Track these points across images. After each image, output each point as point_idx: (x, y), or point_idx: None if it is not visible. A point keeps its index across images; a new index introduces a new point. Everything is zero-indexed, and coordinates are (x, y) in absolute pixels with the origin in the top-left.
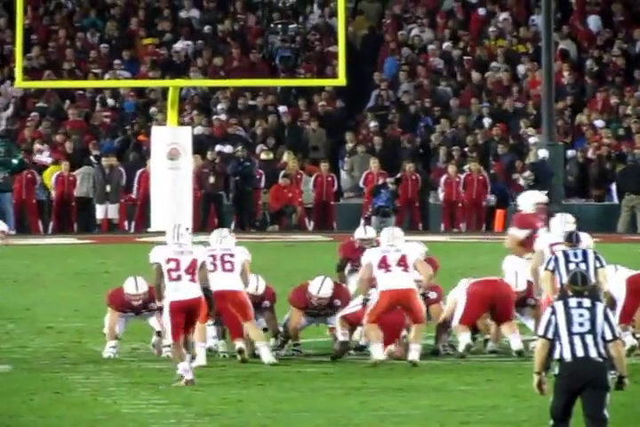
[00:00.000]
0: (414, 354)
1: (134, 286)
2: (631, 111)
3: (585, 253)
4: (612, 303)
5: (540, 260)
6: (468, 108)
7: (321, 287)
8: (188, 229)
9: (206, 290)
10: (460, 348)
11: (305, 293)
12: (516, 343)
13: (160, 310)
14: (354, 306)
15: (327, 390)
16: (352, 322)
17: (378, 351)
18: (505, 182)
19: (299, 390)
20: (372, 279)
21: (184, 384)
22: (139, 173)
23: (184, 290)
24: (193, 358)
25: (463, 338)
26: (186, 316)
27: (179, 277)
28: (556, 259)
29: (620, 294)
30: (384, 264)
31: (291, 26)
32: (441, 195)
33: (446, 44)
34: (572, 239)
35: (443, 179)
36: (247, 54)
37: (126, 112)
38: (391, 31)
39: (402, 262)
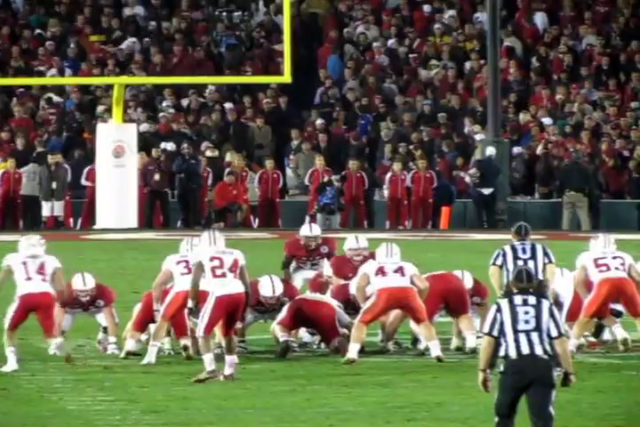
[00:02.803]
0: (436, 350)
1: (82, 282)
2: (577, 108)
3: (533, 249)
4: (556, 302)
5: (582, 275)
6: (414, 105)
7: (274, 288)
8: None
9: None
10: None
11: (255, 292)
12: (470, 341)
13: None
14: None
15: (273, 388)
16: (289, 326)
17: (353, 351)
18: (449, 180)
19: (244, 387)
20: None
21: (222, 379)
22: (86, 170)
23: (230, 286)
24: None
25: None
26: (229, 312)
27: (223, 274)
28: (505, 254)
29: (567, 294)
30: (381, 272)
31: (235, 13)
32: (386, 192)
33: (391, 42)
34: (520, 232)
35: (388, 176)
36: (192, 51)
37: (71, 109)
38: (334, 28)
39: (399, 271)
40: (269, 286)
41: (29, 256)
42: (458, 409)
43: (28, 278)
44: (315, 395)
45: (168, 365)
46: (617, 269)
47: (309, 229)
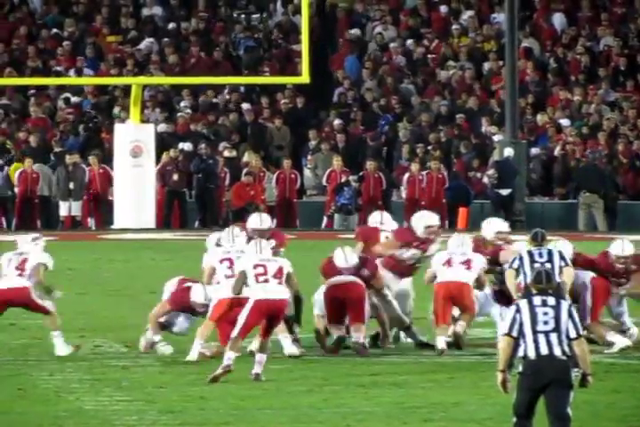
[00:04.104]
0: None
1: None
2: (594, 110)
3: (550, 253)
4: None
5: None
6: (431, 105)
7: (346, 258)
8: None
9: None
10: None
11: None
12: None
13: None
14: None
15: (290, 388)
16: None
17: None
18: (467, 180)
19: (261, 388)
20: None
21: (254, 378)
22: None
23: (271, 291)
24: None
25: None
26: (268, 316)
27: (266, 280)
28: (521, 258)
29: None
30: (448, 263)
31: (254, 15)
32: (403, 193)
33: (409, 42)
34: (537, 238)
35: (405, 177)
36: (211, 52)
37: (88, 110)
38: (352, 28)
39: (466, 264)
40: (342, 257)
41: (16, 253)
42: (475, 410)
43: (5, 275)
44: (332, 395)
45: (185, 365)
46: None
47: (259, 222)
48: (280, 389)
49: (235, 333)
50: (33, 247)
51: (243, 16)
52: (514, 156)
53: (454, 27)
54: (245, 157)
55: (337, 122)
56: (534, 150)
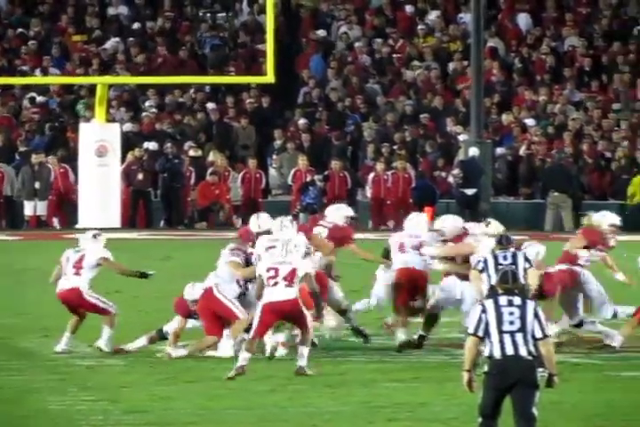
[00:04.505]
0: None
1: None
2: (559, 110)
3: (514, 256)
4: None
5: None
6: (397, 105)
7: None
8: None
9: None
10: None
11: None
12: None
13: None
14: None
15: (255, 387)
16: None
17: None
18: (432, 180)
19: (227, 388)
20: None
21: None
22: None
23: (276, 293)
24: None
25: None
26: (282, 317)
27: (275, 284)
28: (486, 260)
29: None
30: (401, 248)
31: (219, 14)
32: (369, 192)
33: (375, 42)
34: (502, 242)
35: (370, 176)
36: (176, 51)
37: (54, 109)
38: (317, 28)
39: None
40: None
41: (75, 251)
42: (441, 409)
43: (65, 274)
44: (297, 395)
45: (151, 365)
46: None
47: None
48: (245, 388)
49: (250, 335)
50: (92, 244)
51: (208, 15)
52: (479, 155)
53: (420, 27)
54: (211, 157)
55: (302, 121)
56: (499, 150)
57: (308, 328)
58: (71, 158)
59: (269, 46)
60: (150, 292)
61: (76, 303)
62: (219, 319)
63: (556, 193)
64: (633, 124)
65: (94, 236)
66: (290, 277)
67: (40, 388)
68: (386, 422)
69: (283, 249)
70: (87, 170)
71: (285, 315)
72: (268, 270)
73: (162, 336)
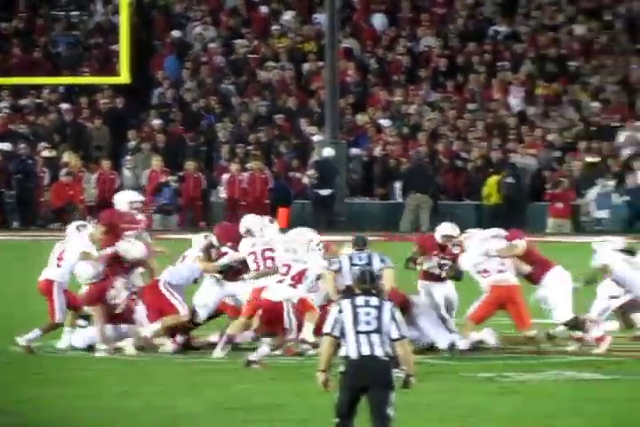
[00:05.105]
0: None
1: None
2: (415, 110)
3: (370, 256)
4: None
5: None
6: (251, 106)
7: None
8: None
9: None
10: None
11: None
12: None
13: None
14: None
15: (111, 389)
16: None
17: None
18: (287, 180)
19: (90, 389)
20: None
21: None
22: None
23: (270, 291)
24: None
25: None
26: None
27: (281, 281)
28: (341, 261)
29: None
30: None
31: (73, 14)
32: (223, 193)
33: (230, 42)
34: (358, 243)
35: (225, 177)
36: (31, 52)
37: None
38: (172, 29)
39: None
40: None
41: (61, 242)
42: (297, 411)
43: (48, 264)
44: (154, 397)
45: (23, 365)
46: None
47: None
48: (101, 390)
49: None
50: (76, 236)
51: (63, 14)
52: (334, 156)
53: (274, 27)
54: (65, 157)
55: (156, 122)
56: (354, 151)
57: (284, 334)
58: None
59: (123, 47)
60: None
61: (44, 294)
62: (159, 310)
63: (416, 194)
64: (488, 124)
65: (77, 228)
66: (298, 277)
67: None
68: (241, 424)
69: (302, 248)
70: None
71: (267, 315)
72: (283, 266)
73: None
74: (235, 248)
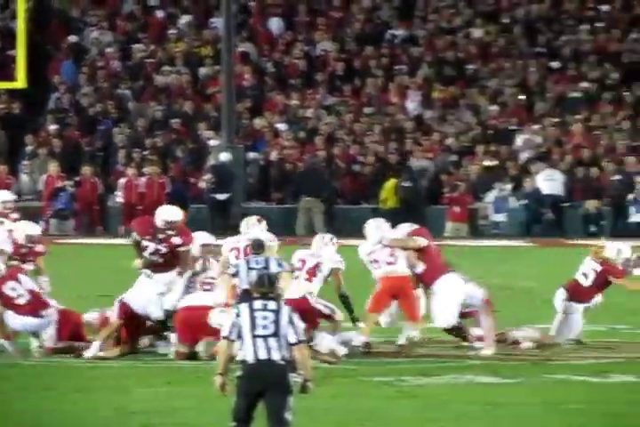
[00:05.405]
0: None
1: None
2: (312, 114)
3: (267, 260)
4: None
5: None
6: (148, 110)
7: None
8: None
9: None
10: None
11: None
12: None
13: None
14: None
15: (15, 393)
16: None
17: None
18: (184, 185)
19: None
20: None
21: None
22: None
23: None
24: None
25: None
26: None
27: (297, 277)
28: (238, 265)
29: None
30: None
31: None
32: (120, 197)
33: (126, 47)
34: (255, 246)
35: (122, 181)
36: None
37: None
38: (68, 34)
39: None
40: None
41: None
42: (194, 415)
43: None
44: (52, 401)
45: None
46: None
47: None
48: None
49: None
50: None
51: None
52: (231, 160)
53: (171, 31)
54: None
55: (53, 127)
56: (251, 155)
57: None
58: None
59: (20, 52)
60: None
61: None
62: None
63: (308, 198)
64: (385, 128)
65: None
66: (313, 270)
67: None
68: None
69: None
70: None
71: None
72: (299, 261)
73: None
74: (153, 241)
